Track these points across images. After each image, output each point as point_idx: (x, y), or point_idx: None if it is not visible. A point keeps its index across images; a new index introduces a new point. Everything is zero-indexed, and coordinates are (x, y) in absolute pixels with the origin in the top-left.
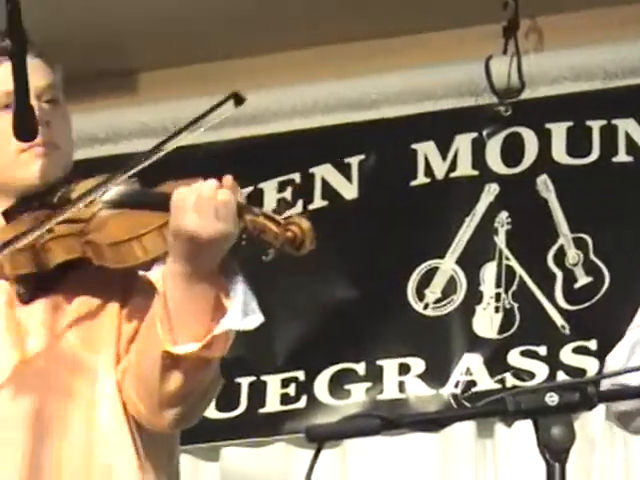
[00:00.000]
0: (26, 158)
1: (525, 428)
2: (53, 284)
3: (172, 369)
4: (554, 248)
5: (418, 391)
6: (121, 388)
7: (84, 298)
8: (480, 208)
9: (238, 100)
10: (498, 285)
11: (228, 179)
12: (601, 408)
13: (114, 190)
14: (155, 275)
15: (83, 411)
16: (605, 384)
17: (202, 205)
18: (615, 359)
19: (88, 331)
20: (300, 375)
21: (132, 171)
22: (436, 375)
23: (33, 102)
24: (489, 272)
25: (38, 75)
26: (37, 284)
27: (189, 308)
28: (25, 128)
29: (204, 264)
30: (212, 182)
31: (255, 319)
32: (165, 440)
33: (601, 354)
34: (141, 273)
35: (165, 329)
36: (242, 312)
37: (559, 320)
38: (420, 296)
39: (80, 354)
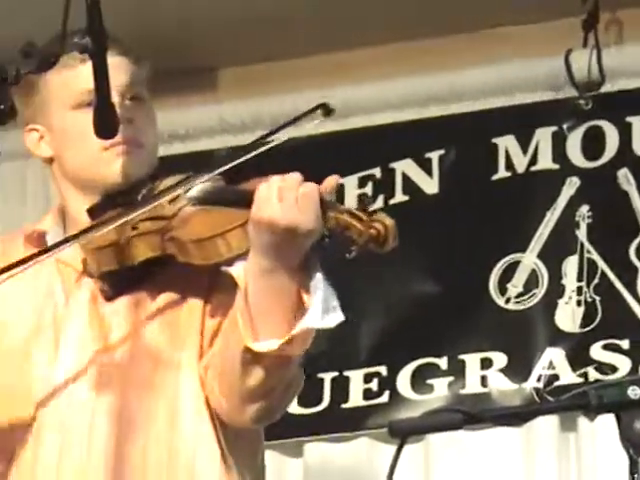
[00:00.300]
0: (109, 156)
1: (608, 422)
2: (137, 281)
3: (253, 365)
4: (636, 241)
5: (500, 385)
6: (204, 383)
7: (168, 294)
8: (561, 202)
9: (327, 111)
10: (580, 279)
11: (333, 179)
12: None
13: (198, 187)
14: (237, 270)
15: (167, 407)
16: None
17: (284, 195)
18: None
19: (172, 327)
20: (383, 370)
21: (215, 172)
22: (518, 369)
23: (116, 100)
24: (571, 266)
25: (121, 73)
26: (121, 281)
27: (270, 304)
28: (105, 125)
29: (285, 258)
30: (296, 174)
31: (335, 317)
32: (249, 436)
33: None
34: (223, 269)
35: (246, 325)
36: (322, 310)
37: None
38: (502, 290)
39: (163, 350)
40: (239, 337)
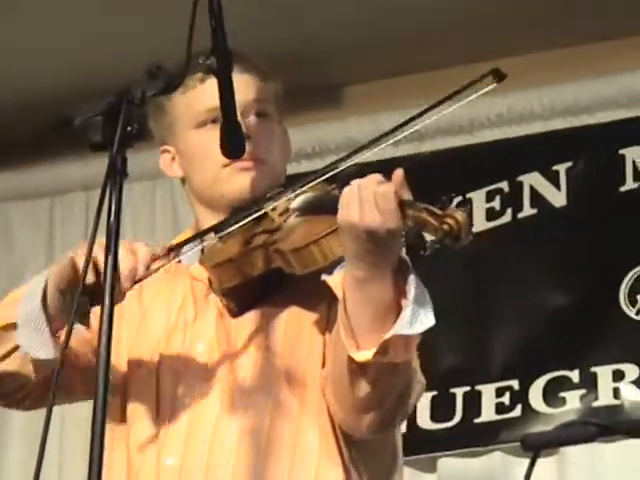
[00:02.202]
0: (228, 173)
1: None
2: (261, 296)
3: (358, 375)
4: None
5: (633, 397)
6: (324, 395)
7: (292, 308)
8: None
9: (499, 76)
10: None
11: (398, 174)
12: None
13: (301, 198)
14: (334, 281)
15: (292, 423)
16: None
17: (363, 197)
18: None
19: (296, 342)
20: (514, 384)
21: (317, 180)
22: None
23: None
24: None
25: (243, 90)
26: (245, 297)
27: (367, 313)
28: (232, 145)
29: (375, 265)
30: (375, 175)
31: (425, 323)
32: (376, 454)
33: None
34: (322, 278)
35: (348, 335)
36: (411, 317)
37: None
38: (632, 302)
39: (289, 366)
40: (343, 347)
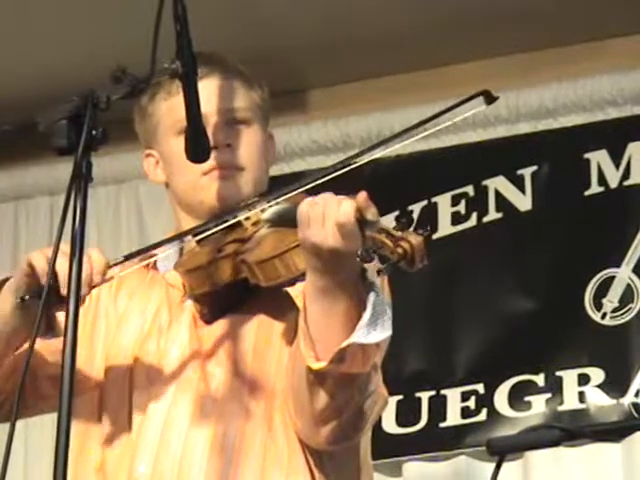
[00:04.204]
0: (207, 181)
1: None
2: (233, 304)
3: (317, 386)
4: None
5: (598, 401)
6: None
7: (263, 318)
8: None
9: (489, 99)
10: None
11: (361, 196)
12: None
13: (272, 209)
14: (296, 291)
15: (262, 431)
16: None
17: (324, 218)
18: None
19: (265, 351)
20: (480, 388)
21: (292, 192)
22: (616, 385)
23: (213, 123)
24: None
25: (221, 96)
26: (217, 304)
27: (327, 323)
28: (195, 149)
29: (337, 277)
30: (338, 197)
31: (381, 333)
32: (347, 461)
33: None
34: (284, 289)
35: (307, 345)
36: (367, 326)
37: None
38: (598, 306)
39: (259, 376)
40: (303, 358)
